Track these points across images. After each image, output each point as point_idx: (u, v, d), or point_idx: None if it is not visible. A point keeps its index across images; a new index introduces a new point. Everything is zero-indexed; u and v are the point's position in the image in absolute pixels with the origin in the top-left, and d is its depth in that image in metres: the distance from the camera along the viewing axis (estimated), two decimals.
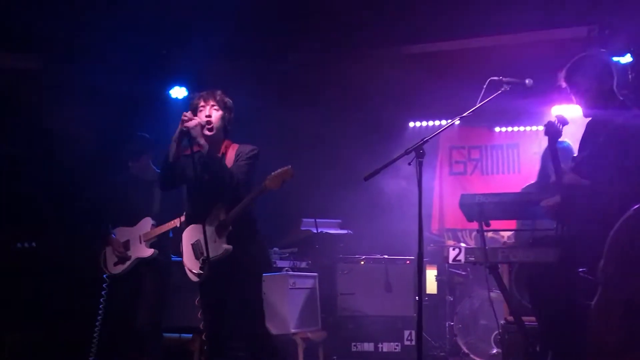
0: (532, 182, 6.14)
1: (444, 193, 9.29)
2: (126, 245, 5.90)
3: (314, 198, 7.95)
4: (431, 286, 7.89)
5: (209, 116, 4.56)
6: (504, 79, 4.15)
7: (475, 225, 5.32)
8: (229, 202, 4.47)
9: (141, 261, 5.84)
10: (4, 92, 6.57)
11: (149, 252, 5.80)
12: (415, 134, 9.06)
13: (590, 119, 4.27)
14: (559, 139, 4.17)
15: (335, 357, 6.86)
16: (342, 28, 6.85)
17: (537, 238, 4.69)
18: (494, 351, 6.82)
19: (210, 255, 4.35)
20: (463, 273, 7.71)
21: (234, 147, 4.68)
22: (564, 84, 4.22)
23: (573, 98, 4.22)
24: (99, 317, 6.10)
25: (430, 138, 3.95)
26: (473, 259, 5.15)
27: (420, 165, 3.84)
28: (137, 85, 6.89)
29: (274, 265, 6.97)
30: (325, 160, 8.42)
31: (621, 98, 4.17)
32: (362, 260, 7.25)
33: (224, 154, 4.63)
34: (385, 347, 6.89)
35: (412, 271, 7.04)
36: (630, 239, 3.17)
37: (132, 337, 5.89)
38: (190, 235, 4.65)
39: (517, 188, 6.86)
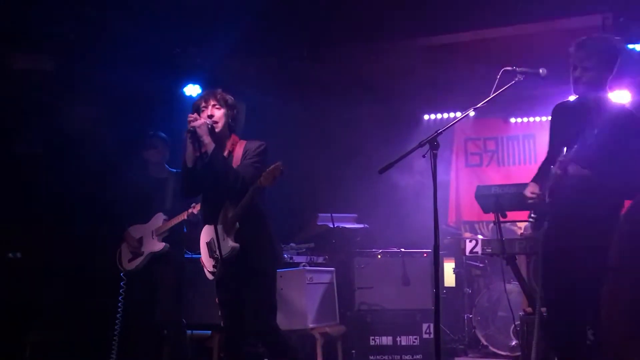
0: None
1: (460, 185, 9.27)
2: (140, 241, 5.97)
3: (330, 193, 7.96)
4: (449, 279, 7.87)
5: (212, 115, 4.58)
6: (517, 69, 4.11)
7: (492, 216, 5.31)
8: (238, 201, 4.47)
9: (154, 256, 5.89)
10: (18, 93, 6.61)
11: (160, 245, 5.86)
12: (431, 127, 9.05)
13: (576, 97, 4.30)
14: None
15: (353, 352, 6.86)
16: (356, 21, 6.82)
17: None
18: (513, 343, 6.78)
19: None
20: (481, 265, 7.69)
21: (242, 143, 4.67)
22: (571, 51, 4.22)
23: (571, 70, 4.21)
24: (119, 315, 6.16)
25: (444, 130, 3.91)
26: (490, 250, 5.15)
27: (434, 157, 3.82)
28: (151, 84, 6.90)
29: (291, 261, 6.99)
30: (340, 155, 8.42)
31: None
32: (379, 254, 7.23)
33: (231, 152, 4.63)
34: (404, 340, 6.87)
35: (429, 264, 7.00)
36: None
37: (151, 333, 5.95)
38: (206, 235, 4.70)
39: None
